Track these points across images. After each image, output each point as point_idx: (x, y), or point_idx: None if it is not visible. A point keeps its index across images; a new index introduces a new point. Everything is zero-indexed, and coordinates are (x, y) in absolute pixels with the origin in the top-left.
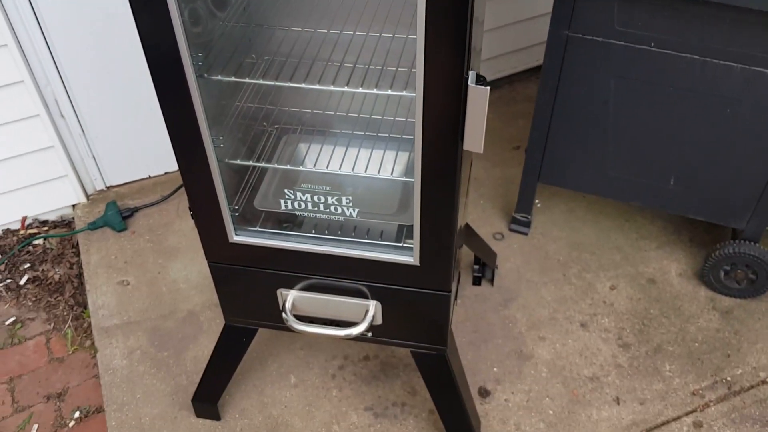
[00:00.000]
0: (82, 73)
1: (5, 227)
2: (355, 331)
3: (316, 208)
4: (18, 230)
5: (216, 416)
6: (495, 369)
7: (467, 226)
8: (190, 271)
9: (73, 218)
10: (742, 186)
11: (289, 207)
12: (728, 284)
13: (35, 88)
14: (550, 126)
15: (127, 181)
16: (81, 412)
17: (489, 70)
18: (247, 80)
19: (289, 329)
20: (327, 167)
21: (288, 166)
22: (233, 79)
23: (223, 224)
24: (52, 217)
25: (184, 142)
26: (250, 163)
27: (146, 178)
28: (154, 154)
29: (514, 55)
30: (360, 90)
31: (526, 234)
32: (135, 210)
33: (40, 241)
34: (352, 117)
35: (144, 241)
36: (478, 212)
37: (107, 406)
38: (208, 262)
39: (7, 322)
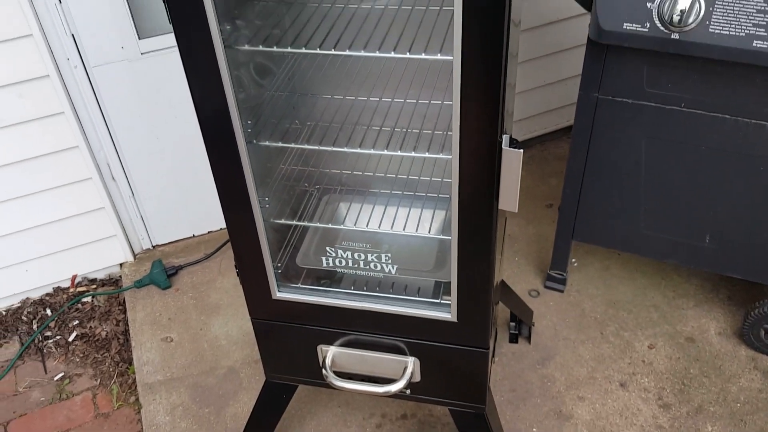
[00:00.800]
0: (133, 139)
1: (56, 285)
2: (394, 388)
3: (356, 265)
4: (68, 288)
5: None
6: (534, 429)
7: (503, 282)
8: (231, 327)
9: (120, 276)
10: None
11: (331, 264)
12: None
13: (89, 153)
14: (583, 185)
15: (173, 240)
16: None
17: (521, 130)
18: (293, 145)
19: (329, 386)
20: (366, 225)
21: (330, 225)
22: (280, 144)
23: (267, 281)
24: (100, 276)
25: (233, 203)
26: (294, 222)
27: (190, 237)
28: (198, 214)
29: (545, 116)
30: (399, 153)
31: (561, 291)
32: (179, 268)
33: (88, 299)
34: (390, 177)
35: (187, 299)
36: (514, 269)
37: None
38: (252, 319)
39: (56, 378)
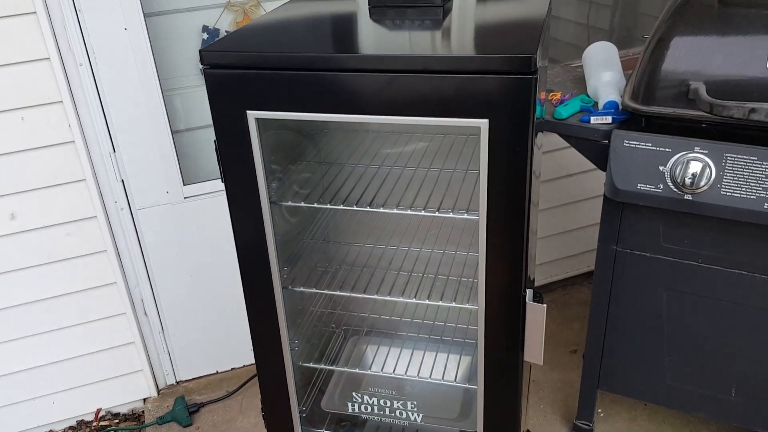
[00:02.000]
0: (168, 277)
1: (80, 418)
2: None
3: (381, 412)
4: (91, 422)
5: None
6: None
7: None
8: None
9: (143, 412)
10: None
11: (356, 410)
12: None
13: (126, 289)
14: (606, 334)
15: (196, 376)
16: None
17: (543, 274)
18: (326, 291)
19: None
20: (393, 371)
21: (356, 370)
22: (314, 290)
23: (292, 426)
24: (123, 410)
25: (265, 346)
26: (321, 366)
27: (213, 374)
28: (223, 351)
29: (566, 261)
30: (426, 302)
31: None
32: (201, 405)
33: None
34: (416, 321)
35: None
36: (539, 417)
37: None
38: None
39: None
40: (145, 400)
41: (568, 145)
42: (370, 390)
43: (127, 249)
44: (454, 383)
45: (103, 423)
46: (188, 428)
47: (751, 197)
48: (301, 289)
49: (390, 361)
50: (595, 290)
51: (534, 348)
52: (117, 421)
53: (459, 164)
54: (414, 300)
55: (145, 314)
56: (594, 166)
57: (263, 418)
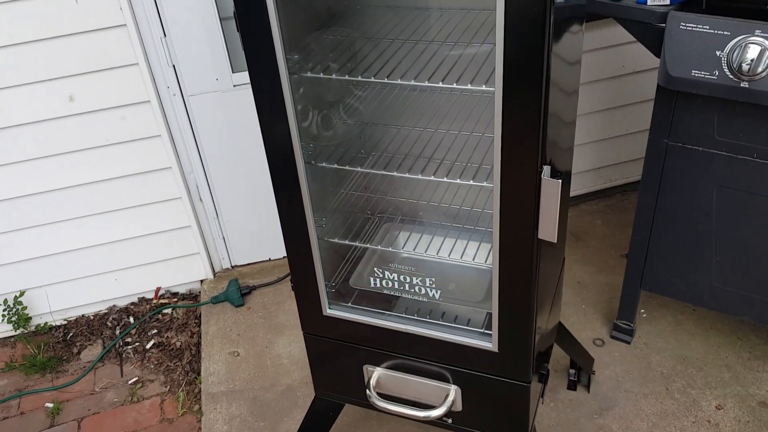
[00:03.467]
0: (221, 164)
1: (141, 296)
2: (434, 413)
3: (402, 288)
4: (152, 299)
5: None
6: None
7: (561, 326)
8: (294, 347)
9: (199, 292)
10: None
11: (377, 285)
12: None
13: (180, 174)
14: (652, 232)
15: (250, 262)
16: None
17: (600, 178)
18: (347, 168)
19: (372, 407)
20: (414, 249)
21: (379, 247)
22: (336, 166)
23: (319, 297)
24: (182, 290)
25: (291, 220)
26: (346, 242)
27: (266, 261)
28: (276, 240)
29: (628, 165)
30: (446, 179)
31: (628, 342)
32: (253, 288)
33: (168, 311)
34: (443, 208)
35: (257, 317)
36: (579, 316)
37: None
38: (303, 333)
39: (130, 382)
40: (202, 281)
41: (630, 39)
42: (390, 266)
43: (181, 135)
44: (472, 263)
45: (162, 301)
46: (240, 308)
47: None
48: (324, 164)
49: (414, 244)
50: (642, 186)
51: (548, 225)
52: (175, 299)
53: (488, 38)
54: (434, 178)
55: (200, 200)
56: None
57: (292, 289)
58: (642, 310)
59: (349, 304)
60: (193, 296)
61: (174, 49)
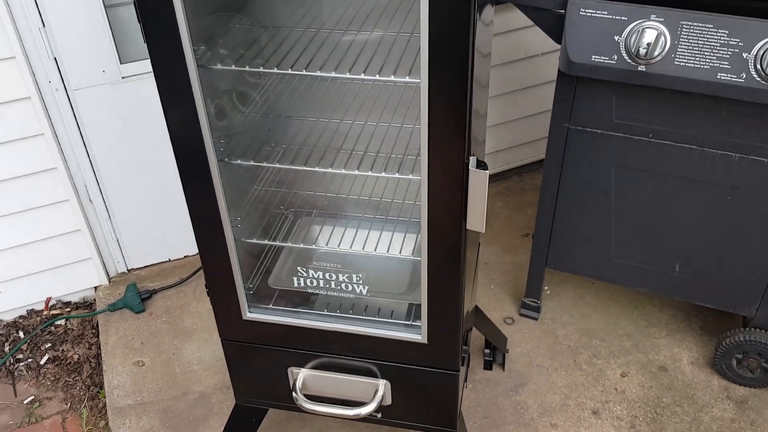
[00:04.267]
0: (112, 161)
1: (30, 308)
2: (364, 410)
3: (327, 286)
4: (42, 311)
5: None
6: None
7: (477, 309)
8: (204, 352)
9: (94, 300)
10: (750, 273)
11: (302, 284)
12: (741, 373)
13: (67, 175)
14: (555, 213)
15: (148, 264)
16: None
17: (498, 161)
18: (264, 164)
19: (299, 409)
20: (339, 246)
21: (302, 245)
22: (252, 163)
23: (238, 301)
24: (74, 299)
25: (204, 222)
26: (265, 242)
27: (166, 261)
28: (175, 238)
29: (523, 148)
30: (371, 174)
31: (536, 319)
32: (153, 292)
33: (62, 322)
34: (363, 201)
35: (160, 323)
36: (489, 297)
37: None
38: (222, 340)
39: (26, 401)
40: (96, 288)
41: (526, 24)
42: (315, 264)
43: (66, 132)
44: (399, 255)
45: (54, 311)
46: (141, 314)
47: (705, 67)
48: (239, 162)
49: (336, 238)
50: (546, 169)
51: (476, 216)
52: (68, 309)
53: (403, 28)
54: (359, 172)
55: (90, 201)
56: (553, 48)
57: (207, 294)
58: (546, 287)
59: (270, 305)
60: (87, 305)
61: (54, 39)
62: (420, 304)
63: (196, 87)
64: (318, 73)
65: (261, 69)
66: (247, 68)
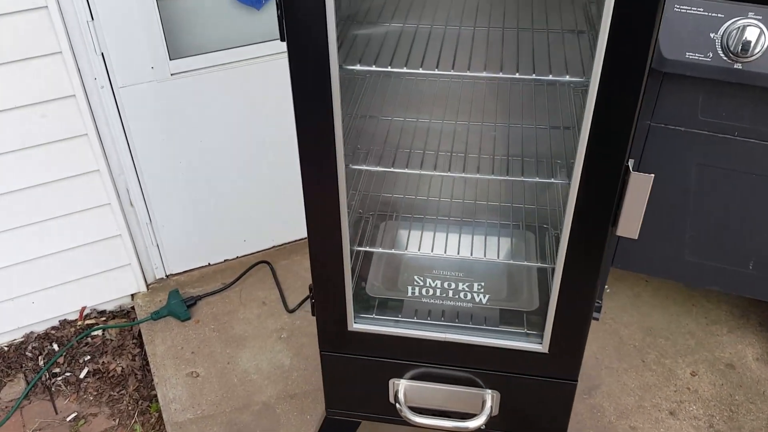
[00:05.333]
0: (155, 163)
1: (62, 318)
2: (473, 424)
3: (444, 295)
4: (76, 321)
5: None
6: None
7: None
8: (260, 360)
9: (132, 308)
10: None
11: (416, 293)
12: None
13: (110, 177)
14: None
15: (187, 269)
16: None
17: None
18: (392, 170)
19: (396, 422)
20: (445, 252)
21: (419, 252)
22: (378, 168)
23: (345, 312)
24: (110, 307)
25: (323, 226)
26: (380, 249)
27: (206, 266)
28: (215, 243)
29: None
30: (508, 178)
31: (597, 319)
32: (198, 298)
33: (98, 332)
34: (444, 203)
35: (209, 330)
36: None
37: None
38: (321, 353)
39: (68, 419)
40: (133, 296)
41: None
42: (434, 273)
43: (110, 133)
44: (524, 263)
45: (88, 321)
46: (187, 322)
47: None
48: (364, 167)
49: (437, 244)
50: None
51: (632, 221)
52: (104, 318)
53: (550, 24)
54: (494, 176)
55: (131, 205)
56: None
57: (312, 306)
58: (606, 287)
59: (373, 315)
60: (124, 313)
61: (103, 33)
62: (523, 311)
63: (335, 88)
64: (452, 72)
65: (404, 69)
66: (389, 68)
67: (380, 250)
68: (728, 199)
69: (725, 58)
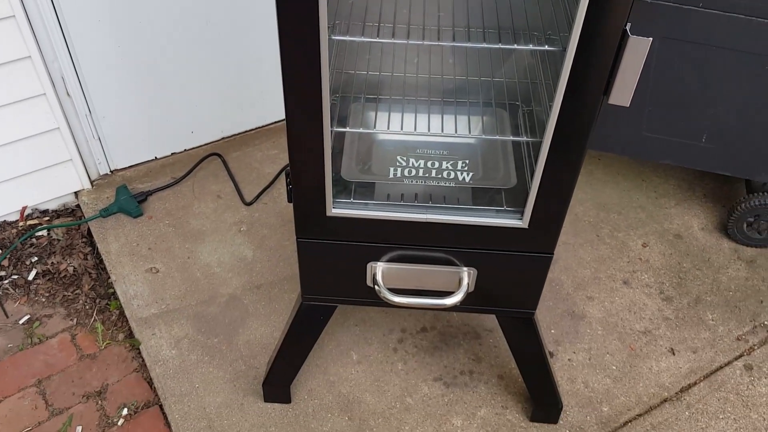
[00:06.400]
0: (92, 48)
1: (1, 219)
2: (451, 300)
3: (427, 175)
4: (17, 222)
5: (287, 399)
6: (552, 331)
7: None
8: (222, 254)
9: (77, 206)
10: None
11: (398, 175)
12: (750, 235)
13: (43, 65)
14: None
15: (133, 163)
16: (129, 409)
17: None
18: (378, 40)
19: (373, 304)
20: (429, 131)
21: (402, 133)
22: (363, 39)
23: (324, 197)
24: (53, 206)
25: (303, 106)
26: (359, 130)
27: (152, 160)
28: (161, 135)
29: None
30: (499, 46)
31: None
32: (149, 194)
33: (43, 232)
34: (410, 80)
35: (164, 226)
36: None
37: (165, 399)
38: (298, 240)
39: (21, 321)
40: (77, 193)
41: None
42: (418, 152)
43: (39, 14)
44: (518, 138)
45: (31, 222)
46: (139, 218)
47: None
48: (347, 37)
49: (408, 122)
50: None
51: (626, 88)
52: (47, 218)
53: None
54: (486, 45)
55: (68, 95)
56: None
57: (288, 192)
58: None
59: (351, 200)
60: (69, 212)
61: None
62: (501, 189)
63: None
64: None
65: None
66: None
67: (362, 130)
68: (687, 74)
69: None
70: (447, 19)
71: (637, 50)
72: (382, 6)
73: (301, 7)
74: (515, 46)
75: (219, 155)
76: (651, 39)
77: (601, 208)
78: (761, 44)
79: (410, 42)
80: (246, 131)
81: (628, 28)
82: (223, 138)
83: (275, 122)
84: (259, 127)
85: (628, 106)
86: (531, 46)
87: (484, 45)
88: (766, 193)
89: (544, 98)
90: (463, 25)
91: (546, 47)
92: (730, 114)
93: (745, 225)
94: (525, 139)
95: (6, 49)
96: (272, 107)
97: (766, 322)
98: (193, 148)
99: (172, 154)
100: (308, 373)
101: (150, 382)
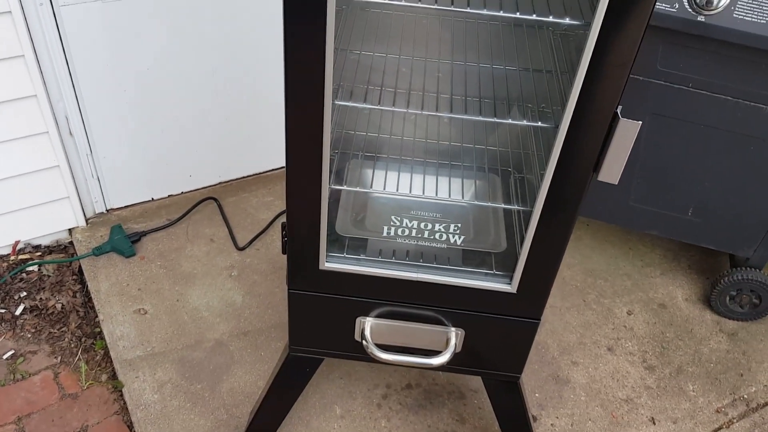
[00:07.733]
0: (97, 90)
1: None
2: (438, 360)
3: (420, 235)
4: (8, 256)
5: None
6: (536, 394)
7: None
8: (211, 298)
9: (70, 243)
10: (754, 217)
11: (391, 233)
12: (733, 308)
13: (48, 104)
14: None
15: (130, 203)
16: None
17: None
18: (376, 107)
19: (360, 359)
20: (423, 193)
21: (398, 194)
22: (364, 105)
23: (318, 250)
24: (46, 242)
25: (304, 164)
26: (357, 188)
27: (149, 201)
28: (158, 177)
29: None
30: (495, 120)
31: None
32: (142, 234)
33: (34, 268)
34: (407, 142)
35: (156, 267)
36: None
37: None
38: (289, 291)
39: (5, 356)
40: (71, 230)
41: None
42: (412, 214)
43: (49, 55)
44: (500, 204)
45: (22, 256)
46: (131, 258)
47: (761, 22)
48: (349, 103)
49: (412, 185)
50: None
51: (615, 167)
52: (39, 253)
53: None
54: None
55: (71, 134)
56: None
57: (283, 243)
58: None
59: (344, 254)
60: (61, 248)
61: None
62: (491, 253)
63: (330, 15)
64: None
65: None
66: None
67: (359, 189)
68: (676, 149)
69: (690, 10)
70: (445, 82)
71: (627, 133)
72: (385, 66)
73: (308, 75)
74: (509, 121)
75: (215, 199)
76: (641, 123)
77: (588, 273)
78: (748, 126)
79: (409, 111)
80: (243, 177)
81: (619, 110)
82: (220, 182)
83: (272, 170)
84: (256, 174)
85: (616, 183)
86: (525, 122)
87: (480, 118)
88: (748, 268)
89: (536, 167)
90: (461, 92)
91: (539, 123)
92: (716, 190)
93: (727, 298)
94: (516, 207)
95: (13, 87)
96: (270, 155)
97: (745, 396)
98: (190, 191)
99: (168, 195)
100: (290, 426)
101: (130, 426)
